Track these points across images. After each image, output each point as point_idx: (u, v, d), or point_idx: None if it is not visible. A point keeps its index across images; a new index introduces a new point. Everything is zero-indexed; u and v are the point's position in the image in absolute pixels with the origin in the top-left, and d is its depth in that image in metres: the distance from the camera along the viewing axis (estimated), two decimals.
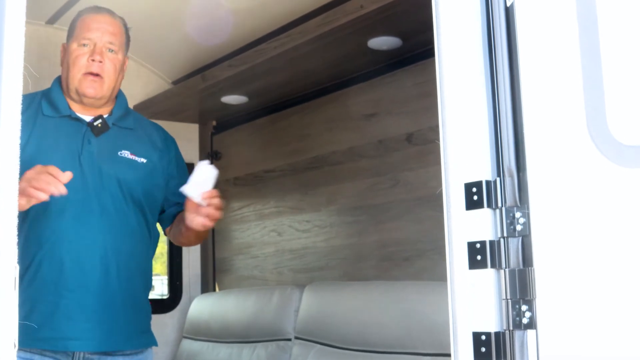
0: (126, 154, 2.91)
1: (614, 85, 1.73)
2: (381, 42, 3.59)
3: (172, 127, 4.88)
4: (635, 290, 1.64)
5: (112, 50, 2.87)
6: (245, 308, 4.08)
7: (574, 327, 1.60)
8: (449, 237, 1.71)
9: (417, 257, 3.64)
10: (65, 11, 4.17)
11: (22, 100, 2.73)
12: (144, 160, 2.94)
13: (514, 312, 1.61)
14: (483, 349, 1.63)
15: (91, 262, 2.72)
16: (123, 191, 2.83)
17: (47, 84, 4.09)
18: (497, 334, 1.63)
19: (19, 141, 1.26)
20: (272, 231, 4.58)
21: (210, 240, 5.02)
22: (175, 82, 4.83)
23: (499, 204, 1.65)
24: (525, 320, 1.60)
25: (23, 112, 2.75)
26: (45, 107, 2.87)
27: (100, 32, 2.86)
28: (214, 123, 5.07)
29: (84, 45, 2.84)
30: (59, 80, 2.97)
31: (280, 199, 4.54)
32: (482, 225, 1.67)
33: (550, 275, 1.60)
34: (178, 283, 4.91)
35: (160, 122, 4.75)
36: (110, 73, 2.87)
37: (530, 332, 1.60)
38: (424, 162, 3.63)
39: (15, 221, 1.26)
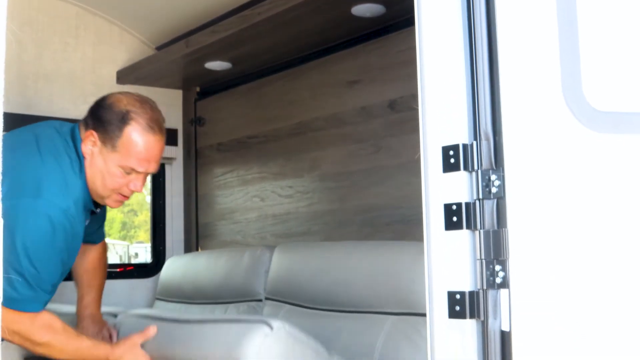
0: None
1: (589, 53, 1.77)
2: (365, 9, 3.61)
3: (155, 93, 4.89)
4: (604, 250, 1.69)
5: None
6: (216, 269, 4.12)
7: (545, 286, 1.65)
8: (426, 199, 1.75)
9: (398, 223, 3.68)
10: None
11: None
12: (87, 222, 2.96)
13: (488, 272, 1.66)
14: (457, 308, 1.68)
15: None
16: None
17: (29, 50, 4.08)
18: (471, 293, 1.67)
19: (2, 99, 1.28)
20: (255, 196, 4.61)
21: (193, 205, 5.05)
22: (159, 48, 4.83)
23: (475, 167, 1.69)
24: (498, 280, 1.65)
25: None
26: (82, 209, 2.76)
27: (148, 165, 2.72)
28: (198, 89, 5.08)
29: (128, 173, 2.72)
30: (83, 169, 2.74)
31: (263, 165, 4.57)
32: (459, 187, 1.71)
33: (524, 236, 1.65)
34: (161, 248, 4.95)
35: (143, 88, 4.80)
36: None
37: (503, 291, 1.65)
38: (406, 129, 3.66)
39: None
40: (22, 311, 2.59)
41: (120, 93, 2.80)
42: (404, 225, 3.66)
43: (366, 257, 3.28)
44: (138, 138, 2.67)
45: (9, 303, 2.53)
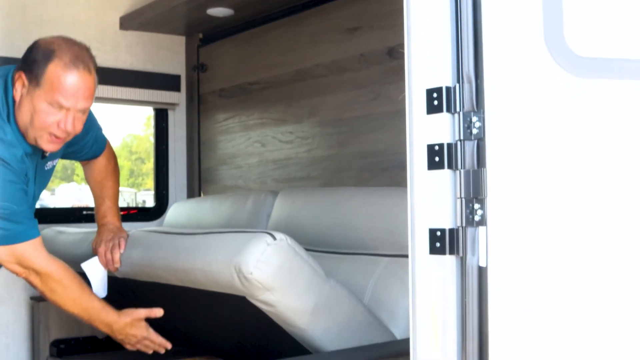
0: (50, 165, 3.01)
1: None
2: None
3: (158, 39, 4.96)
4: (578, 191, 1.76)
5: (83, 112, 2.77)
6: (220, 213, 4.20)
7: (521, 224, 1.72)
8: (410, 140, 1.82)
9: (394, 168, 3.75)
10: None
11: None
12: (56, 161, 3.05)
13: (467, 210, 1.72)
14: (438, 244, 1.75)
15: None
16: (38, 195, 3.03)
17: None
18: (451, 230, 1.74)
19: None
20: (256, 142, 4.68)
21: (195, 150, 5.12)
22: None
23: (457, 109, 1.75)
24: (477, 218, 1.71)
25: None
26: (20, 153, 2.77)
27: (75, 100, 2.70)
28: (201, 35, 5.11)
29: (55, 108, 2.70)
30: (12, 113, 2.75)
31: (264, 111, 4.63)
32: (441, 128, 1.77)
33: (502, 176, 1.71)
34: (164, 192, 5.04)
35: (146, 34, 4.84)
36: (75, 132, 2.79)
37: (481, 229, 1.71)
38: (403, 76, 3.69)
39: None
40: (28, 239, 2.73)
41: (52, 36, 2.78)
42: (401, 171, 3.68)
43: (363, 202, 3.36)
44: (61, 72, 2.66)
45: (9, 240, 2.68)
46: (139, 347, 2.98)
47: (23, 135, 2.75)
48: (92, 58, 2.77)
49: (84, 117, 2.78)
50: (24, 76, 2.71)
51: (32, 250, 2.74)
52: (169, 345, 3.00)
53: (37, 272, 2.76)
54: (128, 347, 3.00)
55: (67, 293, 2.83)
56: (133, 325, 2.92)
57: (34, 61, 2.70)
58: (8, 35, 3.85)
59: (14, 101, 2.73)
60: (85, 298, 2.87)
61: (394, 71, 3.78)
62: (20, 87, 2.71)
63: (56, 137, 2.74)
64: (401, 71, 3.71)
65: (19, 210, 2.69)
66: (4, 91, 2.74)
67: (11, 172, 2.68)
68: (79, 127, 2.77)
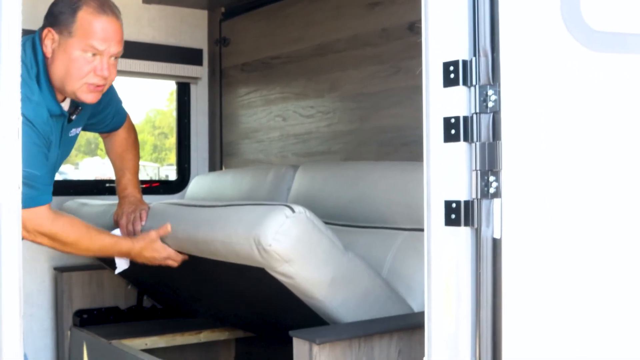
0: (74, 132, 3.02)
1: None
2: None
3: (181, 13, 4.98)
4: (592, 162, 1.77)
5: (116, 58, 2.81)
6: (241, 186, 4.23)
7: (534, 197, 1.74)
8: (426, 113, 1.84)
9: (414, 143, 3.75)
10: None
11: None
12: (79, 129, 3.07)
13: (483, 183, 1.74)
14: (453, 216, 1.77)
15: None
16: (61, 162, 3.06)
17: None
18: (466, 202, 1.76)
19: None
20: (277, 116, 4.70)
21: (217, 124, 5.15)
22: None
23: (474, 82, 1.77)
24: (492, 190, 1.73)
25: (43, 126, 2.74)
26: (46, 114, 2.79)
27: (108, 43, 2.74)
28: (223, 9, 5.12)
29: (91, 55, 2.74)
30: (43, 72, 2.77)
31: (285, 85, 4.65)
32: (458, 101, 1.79)
33: (516, 149, 1.73)
34: (186, 166, 5.07)
35: (170, 8, 4.86)
36: (111, 80, 2.84)
37: (496, 201, 1.74)
38: None
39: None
40: (37, 206, 2.74)
41: None
42: (421, 146, 3.72)
43: (383, 176, 3.37)
44: (91, 18, 2.71)
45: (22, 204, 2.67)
46: (166, 263, 3.02)
47: (55, 95, 2.78)
48: (117, 8, 2.82)
49: (116, 63, 2.83)
50: (52, 31, 2.73)
51: (41, 214, 2.77)
52: (186, 256, 3.02)
53: (43, 234, 2.81)
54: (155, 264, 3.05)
55: (77, 244, 2.90)
56: (149, 248, 2.97)
57: (60, 13, 2.73)
58: (32, 8, 3.89)
59: (44, 59, 2.76)
60: (96, 241, 2.95)
61: (415, 46, 3.74)
62: (50, 43, 2.74)
63: (95, 85, 2.77)
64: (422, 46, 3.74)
65: (37, 175, 2.71)
66: (33, 51, 2.76)
67: (35, 134, 2.71)
68: (114, 74, 2.81)
